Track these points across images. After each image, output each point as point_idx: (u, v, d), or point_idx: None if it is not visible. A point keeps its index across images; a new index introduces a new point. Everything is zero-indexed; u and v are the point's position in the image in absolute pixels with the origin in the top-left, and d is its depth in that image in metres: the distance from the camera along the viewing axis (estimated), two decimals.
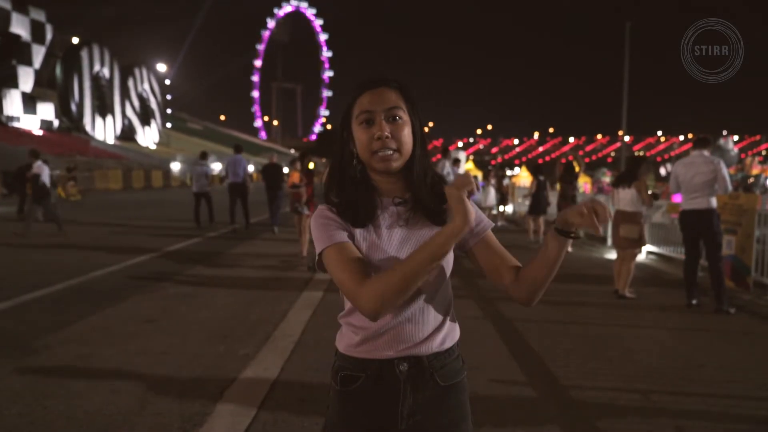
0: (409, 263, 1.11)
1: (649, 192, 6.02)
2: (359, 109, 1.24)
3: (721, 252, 5.61)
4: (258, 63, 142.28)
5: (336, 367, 1.31)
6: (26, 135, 42.45)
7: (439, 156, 11.59)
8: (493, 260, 1.29)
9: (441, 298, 1.29)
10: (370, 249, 1.23)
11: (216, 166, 56.95)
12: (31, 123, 46.56)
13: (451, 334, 1.31)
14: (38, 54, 47.91)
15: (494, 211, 15.80)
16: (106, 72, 57.65)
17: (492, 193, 14.70)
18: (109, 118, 57.99)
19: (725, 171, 5.46)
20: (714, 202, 5.49)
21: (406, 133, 1.24)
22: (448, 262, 1.27)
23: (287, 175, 10.35)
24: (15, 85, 45.82)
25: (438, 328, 1.28)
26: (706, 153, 5.60)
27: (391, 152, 1.22)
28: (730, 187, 5.57)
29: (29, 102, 46.84)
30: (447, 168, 10.89)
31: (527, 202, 13.54)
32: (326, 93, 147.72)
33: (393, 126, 1.23)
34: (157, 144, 67.70)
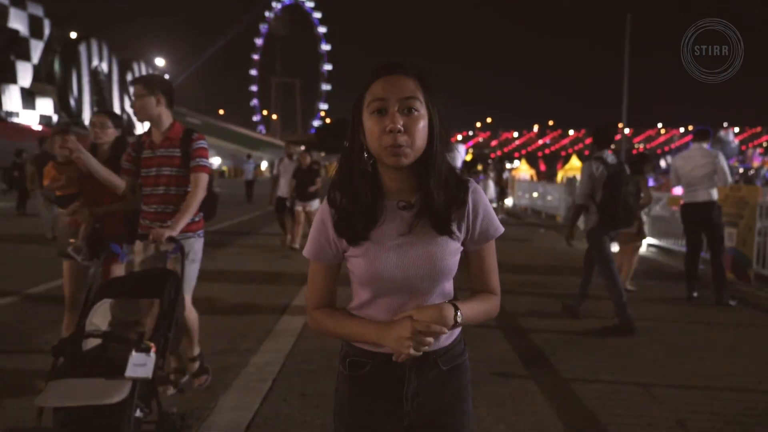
0: (348, 329, 1.25)
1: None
2: (372, 95, 1.14)
3: (723, 244, 5.61)
4: (256, 57, 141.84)
5: (343, 354, 1.34)
6: (26, 130, 42.36)
7: None
8: (473, 271, 1.33)
9: (443, 296, 1.28)
10: (368, 260, 1.21)
11: (215, 161, 56.90)
12: (30, 118, 46.47)
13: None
14: (36, 49, 47.74)
15: (494, 205, 15.81)
16: (104, 66, 57.41)
17: (491, 186, 14.67)
18: None
19: (724, 163, 5.45)
20: (715, 194, 5.48)
21: (421, 128, 1.14)
22: (450, 266, 1.24)
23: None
24: (14, 81, 45.70)
25: None
26: (705, 145, 5.59)
27: (403, 147, 1.12)
28: (729, 179, 5.57)
29: (28, 97, 46.75)
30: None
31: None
32: (325, 87, 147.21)
33: (407, 118, 1.13)
34: None
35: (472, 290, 1.34)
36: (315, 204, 8.57)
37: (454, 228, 1.22)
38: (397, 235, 1.20)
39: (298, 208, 8.58)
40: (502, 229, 1.28)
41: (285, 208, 8.88)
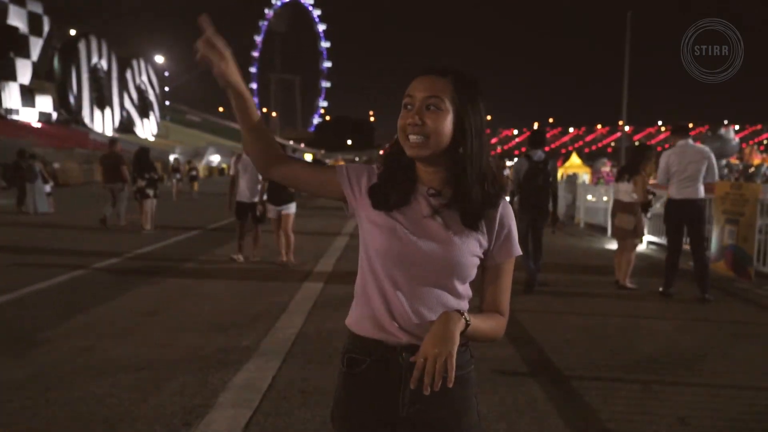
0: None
1: (648, 187, 5.99)
2: (405, 93, 1.25)
3: (705, 241, 5.66)
4: (256, 54, 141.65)
5: (344, 349, 1.33)
6: (25, 128, 42.31)
7: None
8: (486, 288, 1.31)
9: (442, 304, 1.24)
10: (386, 230, 1.24)
11: (215, 159, 56.85)
12: (29, 116, 46.38)
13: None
14: (36, 46, 47.64)
15: None
16: (104, 64, 57.30)
17: None
18: (107, 110, 57.73)
19: (714, 160, 5.52)
20: (702, 191, 5.49)
21: (442, 124, 1.19)
22: (466, 266, 1.24)
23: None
24: (13, 78, 45.62)
25: None
26: (691, 141, 5.62)
27: (420, 139, 1.19)
28: (717, 177, 5.64)
29: (27, 95, 46.61)
30: None
31: None
32: (324, 84, 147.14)
33: (428, 114, 1.19)
34: (156, 136, 67.47)
35: (481, 309, 1.32)
36: (292, 208, 7.08)
37: (481, 226, 1.24)
38: (421, 216, 1.24)
39: (272, 215, 7.12)
40: (520, 251, 1.32)
41: (247, 216, 7.27)
